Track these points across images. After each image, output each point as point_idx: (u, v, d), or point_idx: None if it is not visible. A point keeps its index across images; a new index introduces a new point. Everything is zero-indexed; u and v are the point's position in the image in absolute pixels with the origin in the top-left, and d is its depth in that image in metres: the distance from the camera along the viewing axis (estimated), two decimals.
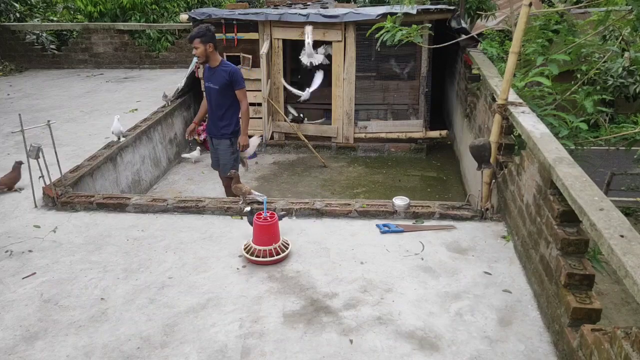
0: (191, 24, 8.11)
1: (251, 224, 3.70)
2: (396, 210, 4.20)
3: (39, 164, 4.23)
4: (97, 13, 11.10)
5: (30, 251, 3.76)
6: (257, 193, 4.36)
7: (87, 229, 4.08)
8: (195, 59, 5.00)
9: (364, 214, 4.23)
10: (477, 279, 3.36)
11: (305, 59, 6.73)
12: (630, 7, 4.44)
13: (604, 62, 5.35)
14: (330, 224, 4.15)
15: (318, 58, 6.80)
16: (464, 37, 6.60)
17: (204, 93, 5.17)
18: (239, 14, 7.82)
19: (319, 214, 4.25)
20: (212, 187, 6.67)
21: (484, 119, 5.52)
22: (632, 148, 5.08)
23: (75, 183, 4.80)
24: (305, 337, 2.85)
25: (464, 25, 7.60)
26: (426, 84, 8.07)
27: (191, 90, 8.51)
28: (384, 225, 4.04)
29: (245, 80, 8.06)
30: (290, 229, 3.99)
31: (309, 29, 6.68)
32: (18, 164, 4.85)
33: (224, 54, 7.87)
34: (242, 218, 4.24)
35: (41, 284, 3.36)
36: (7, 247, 3.80)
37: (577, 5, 5.87)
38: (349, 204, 4.32)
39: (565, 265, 2.66)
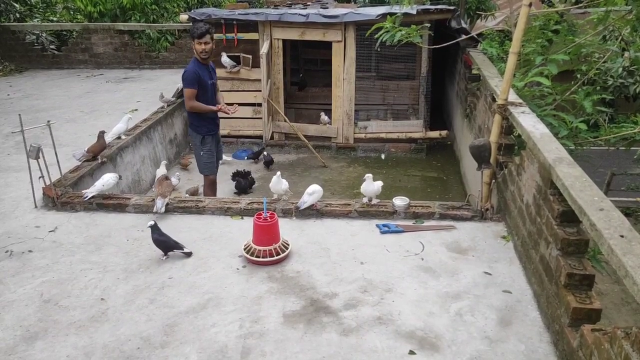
0: (191, 24, 8.12)
1: (154, 241, 3.61)
2: (396, 211, 4.20)
3: (39, 164, 4.22)
4: (97, 13, 11.09)
5: (30, 251, 3.75)
6: (160, 204, 4.23)
7: (87, 229, 4.08)
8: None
9: (364, 214, 4.23)
10: (477, 279, 3.36)
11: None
12: (630, 7, 4.44)
13: (604, 62, 5.35)
14: (331, 224, 4.15)
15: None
16: (463, 37, 6.60)
17: (203, 90, 4.92)
18: (239, 14, 7.83)
19: (319, 214, 4.25)
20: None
21: (484, 119, 5.52)
22: (632, 148, 5.09)
23: (75, 183, 4.79)
24: (306, 337, 2.85)
25: (463, 25, 7.61)
26: (426, 84, 8.08)
27: None
28: (384, 226, 4.03)
29: (245, 80, 8.22)
30: (290, 229, 3.99)
31: None
32: (102, 133, 5.11)
33: (224, 54, 7.91)
34: (242, 218, 4.25)
35: (41, 284, 3.36)
36: (7, 247, 3.80)
37: (576, 6, 5.87)
38: (349, 204, 4.32)
39: (565, 266, 2.66)
